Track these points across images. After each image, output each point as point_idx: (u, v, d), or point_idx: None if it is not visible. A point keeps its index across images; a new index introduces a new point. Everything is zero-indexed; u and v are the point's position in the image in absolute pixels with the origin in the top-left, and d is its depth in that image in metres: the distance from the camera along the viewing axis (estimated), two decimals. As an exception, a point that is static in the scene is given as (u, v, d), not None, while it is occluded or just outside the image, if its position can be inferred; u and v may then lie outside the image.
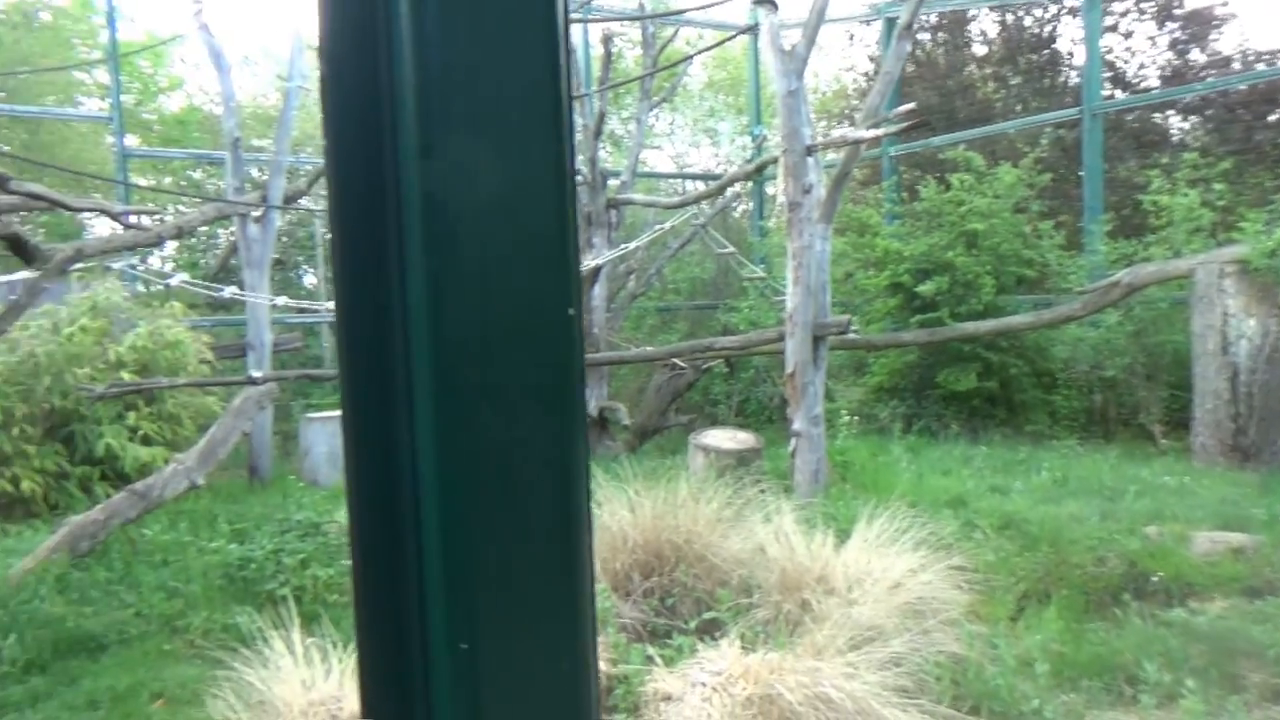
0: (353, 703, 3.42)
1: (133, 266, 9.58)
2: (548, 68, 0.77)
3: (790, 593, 4.24)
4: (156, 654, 4.45)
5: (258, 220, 8.77)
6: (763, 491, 5.07)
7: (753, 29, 9.62)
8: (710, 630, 4.15)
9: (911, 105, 7.46)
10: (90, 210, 7.19)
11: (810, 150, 6.75)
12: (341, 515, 6.28)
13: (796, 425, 6.73)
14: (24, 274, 7.86)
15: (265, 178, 9.50)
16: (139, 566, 5.07)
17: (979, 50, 14.77)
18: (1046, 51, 13.77)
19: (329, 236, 0.81)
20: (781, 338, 7.10)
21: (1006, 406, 9.28)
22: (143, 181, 12.64)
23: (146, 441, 7.60)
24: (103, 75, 14.47)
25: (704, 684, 3.47)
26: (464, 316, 0.76)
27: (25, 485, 6.92)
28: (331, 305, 9.62)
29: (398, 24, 0.71)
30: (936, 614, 4.05)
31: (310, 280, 14.68)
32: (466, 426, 0.75)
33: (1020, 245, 9.68)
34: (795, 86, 6.75)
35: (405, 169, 0.74)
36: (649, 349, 9.31)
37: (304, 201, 10.83)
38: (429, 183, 0.74)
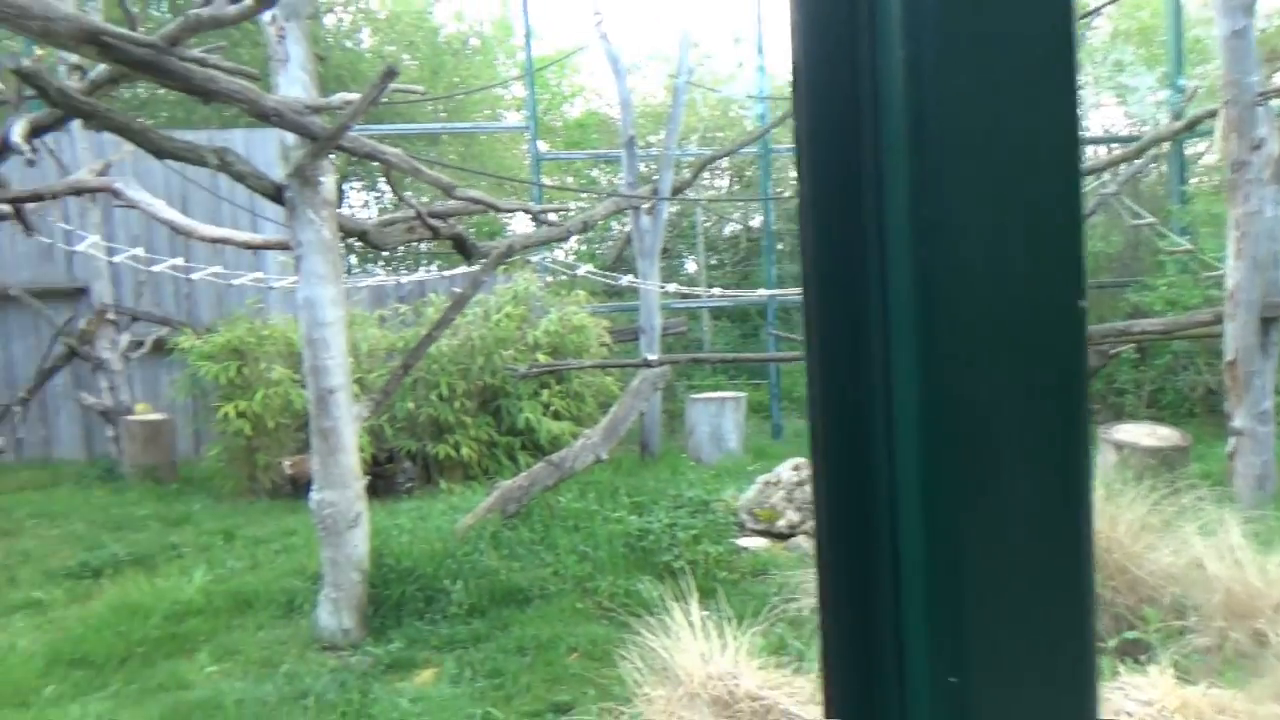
0: (748, 681, 3.50)
1: (545, 259, 10.70)
2: (1056, 25, 0.66)
3: (1239, 620, 3.63)
4: (571, 611, 4.91)
5: (649, 212, 9.36)
6: (1199, 499, 4.40)
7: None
8: (1132, 652, 3.69)
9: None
10: (515, 210, 8.12)
11: (1262, 99, 5.72)
12: (728, 495, 6.50)
13: (1237, 422, 5.77)
14: (463, 269, 9.11)
15: (654, 172, 10.14)
16: (555, 530, 5.64)
17: None
18: None
19: (796, 228, 0.77)
20: (1217, 319, 6.13)
21: None
22: (549, 182, 14.09)
23: (557, 417, 8.45)
24: (519, 90, 16.33)
25: (1129, 714, 3.08)
26: (957, 311, 0.67)
27: (464, 451, 8.02)
28: (716, 291, 10.00)
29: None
30: None
31: (691, 267, 15.42)
32: (955, 431, 0.67)
33: None
34: (1242, 25, 5.75)
35: (891, 153, 0.67)
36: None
37: (688, 192, 11.35)
38: (919, 167, 0.67)
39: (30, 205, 6.82)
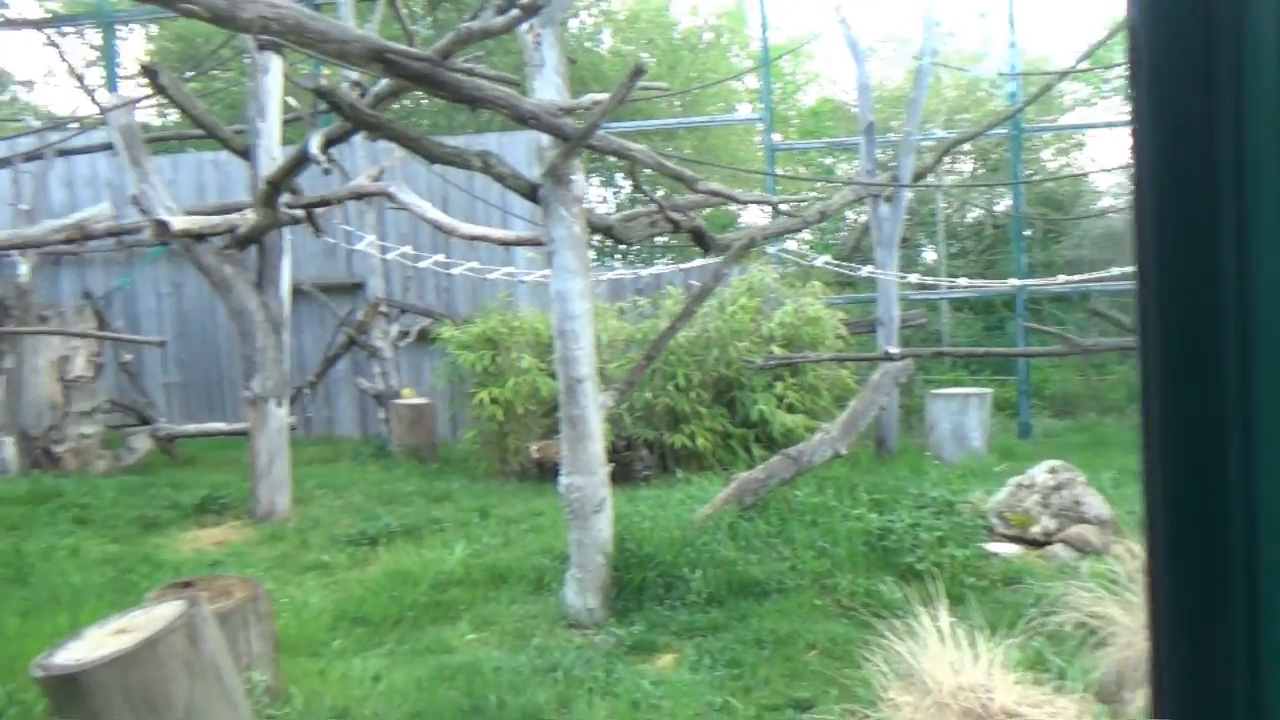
0: (1003, 696, 3.31)
1: (779, 250, 10.63)
2: None
3: None
4: (809, 607, 4.86)
5: (888, 200, 9.06)
6: None
7: None
8: None
9: None
10: (754, 202, 8.13)
11: None
12: (975, 496, 6.18)
13: None
14: (699, 262, 9.23)
15: (893, 159, 9.79)
16: (792, 524, 5.59)
17: None
18: None
19: (1135, 221, 0.70)
20: None
21: None
22: (782, 172, 13.97)
23: (791, 410, 8.38)
24: (752, 81, 16.30)
25: None
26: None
27: (700, 441, 8.14)
28: (962, 282, 9.51)
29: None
30: None
31: (930, 256, 14.77)
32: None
33: None
34: None
35: (1256, 130, 0.60)
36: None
37: (928, 178, 10.86)
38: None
39: (318, 209, 7.62)
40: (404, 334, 10.77)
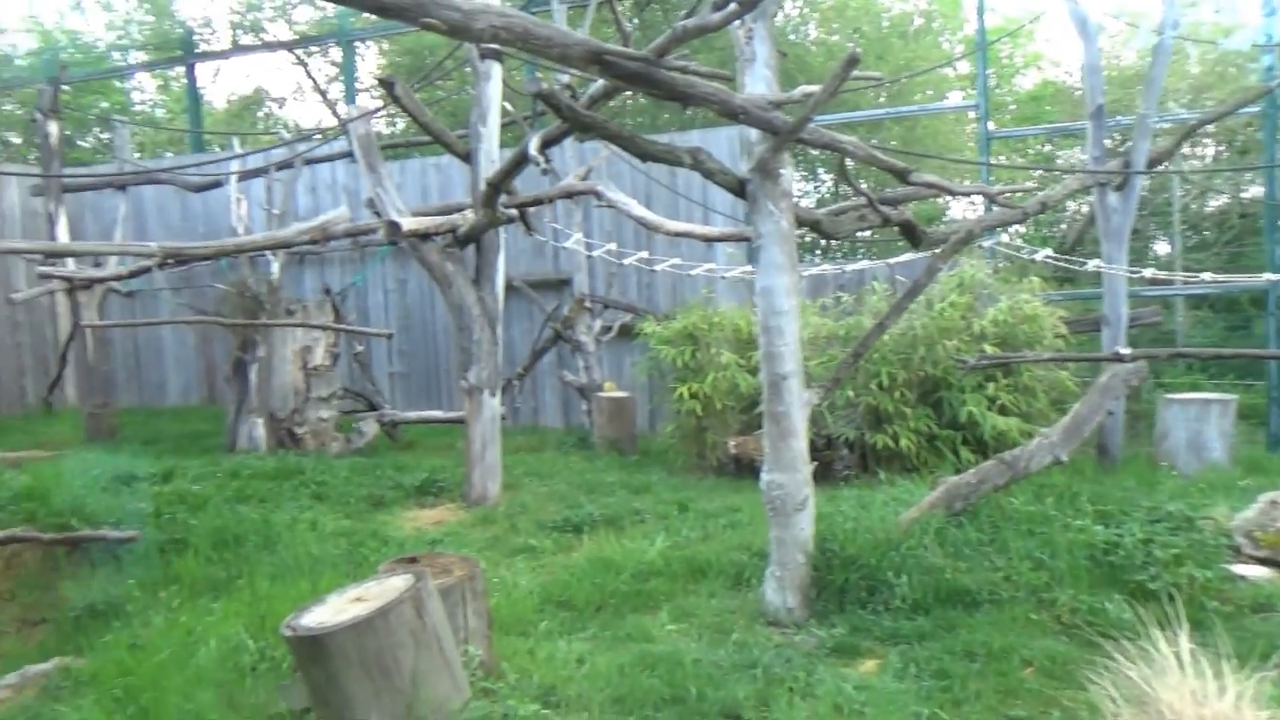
0: (1257, 734, 2.99)
1: (993, 244, 10.09)
2: None
3: None
4: (1024, 621, 4.59)
5: (1119, 188, 8.38)
6: None
7: None
8: None
9: None
10: (972, 194, 7.75)
11: None
12: (1218, 513, 5.64)
13: None
14: (907, 256, 8.91)
15: (1122, 144, 9.04)
16: (1006, 532, 5.29)
17: None
18: None
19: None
20: None
21: None
22: (994, 161, 13.24)
23: (1003, 412, 7.93)
24: (963, 67, 15.55)
25: None
26: None
27: (903, 442, 7.87)
28: (1206, 276, 8.67)
29: None
30: None
31: (1163, 248, 13.55)
32: None
33: None
34: None
35: None
36: None
37: (1166, 164, 9.96)
38: None
39: (531, 208, 7.97)
40: (607, 329, 11.07)
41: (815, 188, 16.56)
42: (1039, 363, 7.92)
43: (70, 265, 10.30)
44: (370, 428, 10.52)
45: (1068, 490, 6.05)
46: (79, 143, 19.48)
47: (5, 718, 3.94)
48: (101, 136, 19.63)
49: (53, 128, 11.62)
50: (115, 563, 5.94)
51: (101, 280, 10.04)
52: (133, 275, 8.67)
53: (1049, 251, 8.77)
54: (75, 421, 11.93)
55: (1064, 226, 14.43)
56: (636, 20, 13.64)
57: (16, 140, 19.46)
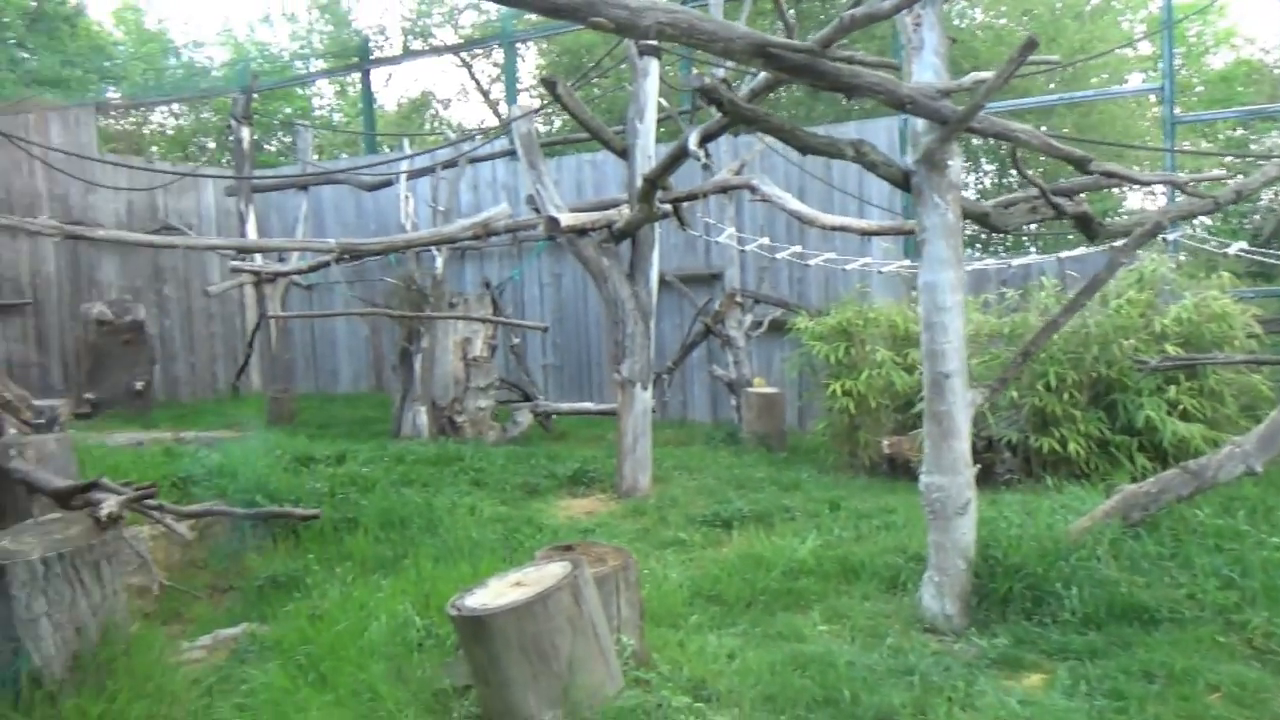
0: None
1: (1178, 236, 9.39)
2: None
3: None
4: (1210, 643, 4.26)
5: (1327, 176, 7.61)
6: None
7: None
8: None
9: None
10: (1157, 183, 7.25)
11: None
12: None
13: None
14: (1079, 250, 8.42)
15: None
16: (1190, 546, 4.92)
17: None
18: None
19: None
20: None
21: None
22: (1184, 147, 12.31)
23: (1185, 417, 7.38)
24: (1144, 47, 14.53)
25: None
26: None
27: (1071, 446, 7.44)
28: None
29: None
30: None
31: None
32: None
33: None
34: None
35: None
36: None
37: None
38: None
39: (685, 203, 8.00)
40: (757, 324, 11.00)
41: (978, 179, 15.89)
42: (1229, 365, 7.31)
43: (258, 260, 11.11)
44: (525, 418, 10.85)
45: (1262, 504, 5.58)
46: (265, 146, 20.98)
47: (200, 677, 4.27)
48: (284, 140, 21.07)
49: (245, 133, 12.56)
50: (294, 538, 6.37)
51: (285, 274, 10.78)
52: (313, 269, 9.26)
53: (1243, 245, 8.08)
54: (259, 405, 12.84)
55: (1256, 217, 13.28)
56: (793, 11, 13.46)
57: (211, 145, 21.15)
